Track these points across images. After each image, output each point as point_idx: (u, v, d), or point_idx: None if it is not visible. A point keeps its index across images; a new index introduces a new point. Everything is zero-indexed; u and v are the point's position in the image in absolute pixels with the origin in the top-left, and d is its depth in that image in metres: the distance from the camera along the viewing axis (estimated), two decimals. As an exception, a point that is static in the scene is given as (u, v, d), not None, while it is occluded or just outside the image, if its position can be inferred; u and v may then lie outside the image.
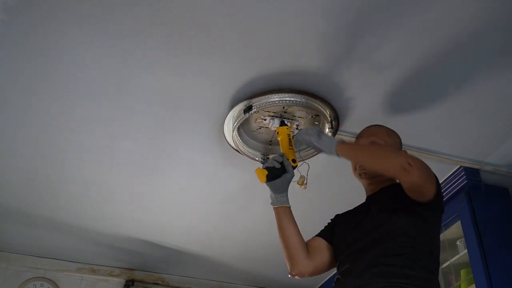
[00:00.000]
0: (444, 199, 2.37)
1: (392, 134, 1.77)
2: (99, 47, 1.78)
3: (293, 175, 1.75)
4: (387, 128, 1.79)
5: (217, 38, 1.72)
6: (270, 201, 1.75)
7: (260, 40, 1.72)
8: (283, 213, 1.71)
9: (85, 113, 2.09)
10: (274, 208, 1.73)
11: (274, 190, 1.72)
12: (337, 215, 1.77)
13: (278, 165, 1.71)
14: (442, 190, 2.37)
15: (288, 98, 1.90)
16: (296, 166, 1.79)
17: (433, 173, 1.54)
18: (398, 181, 1.57)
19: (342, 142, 1.68)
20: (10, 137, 2.24)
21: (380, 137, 1.73)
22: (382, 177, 1.66)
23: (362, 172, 1.69)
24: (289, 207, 1.73)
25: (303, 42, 1.72)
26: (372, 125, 1.81)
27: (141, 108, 2.06)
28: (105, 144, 2.27)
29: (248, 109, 1.91)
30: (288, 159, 1.76)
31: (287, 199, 1.73)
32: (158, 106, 2.05)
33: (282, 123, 1.95)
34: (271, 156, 1.77)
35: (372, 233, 1.53)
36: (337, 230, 1.70)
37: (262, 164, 2.10)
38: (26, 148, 2.30)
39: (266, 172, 1.70)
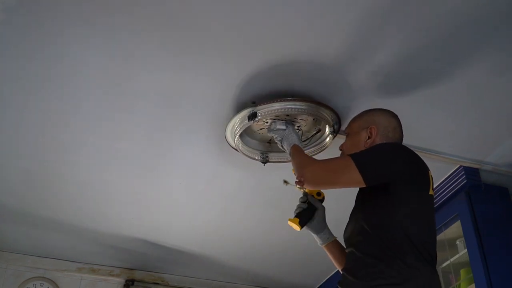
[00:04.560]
0: (443, 198, 2.39)
1: (366, 119, 1.74)
2: (99, 47, 1.78)
3: (324, 209, 1.79)
4: (363, 115, 1.77)
5: (217, 37, 1.72)
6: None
7: (260, 40, 1.72)
8: (332, 247, 1.77)
9: (85, 113, 2.09)
10: (323, 246, 1.79)
11: (315, 231, 1.77)
12: None
13: (305, 206, 1.77)
14: (442, 190, 2.39)
15: (292, 106, 1.91)
16: (323, 198, 1.82)
17: (343, 163, 1.52)
18: None
19: (292, 147, 1.83)
20: (9, 137, 2.24)
21: (351, 132, 1.75)
22: None
23: None
24: (335, 239, 1.78)
25: (304, 43, 1.73)
26: (353, 117, 1.81)
27: (141, 108, 2.06)
28: (105, 144, 2.27)
29: (252, 116, 1.92)
30: (312, 195, 1.80)
31: (330, 233, 1.78)
32: (158, 106, 2.05)
33: None
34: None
35: (351, 235, 1.55)
36: None
37: (262, 161, 2.14)
38: (26, 148, 2.30)
39: (298, 219, 1.73)
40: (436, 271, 1.47)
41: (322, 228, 1.75)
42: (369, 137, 1.68)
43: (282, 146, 1.93)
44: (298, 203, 1.80)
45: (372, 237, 1.46)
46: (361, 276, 1.43)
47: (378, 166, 1.51)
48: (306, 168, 1.61)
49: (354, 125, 1.76)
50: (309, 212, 1.75)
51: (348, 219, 1.66)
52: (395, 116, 1.75)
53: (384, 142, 1.66)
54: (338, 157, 1.71)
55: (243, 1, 1.58)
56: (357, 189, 1.64)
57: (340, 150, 1.79)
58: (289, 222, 1.74)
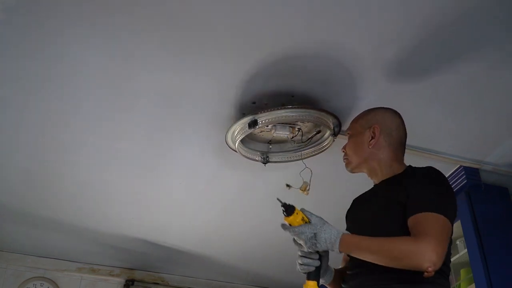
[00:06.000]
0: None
1: (368, 118, 1.68)
2: (99, 47, 1.78)
3: (328, 252, 1.55)
4: (365, 114, 1.71)
5: (217, 37, 1.72)
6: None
7: (260, 40, 1.72)
8: (333, 281, 1.62)
9: (85, 113, 2.09)
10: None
11: (322, 277, 1.55)
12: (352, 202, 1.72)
13: (318, 263, 1.48)
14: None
15: (293, 114, 1.91)
16: None
17: (445, 225, 1.41)
18: (398, 172, 1.56)
19: (343, 239, 1.43)
20: (9, 137, 2.24)
21: (354, 133, 1.69)
22: (378, 170, 1.64)
23: (346, 165, 1.71)
24: (334, 271, 1.61)
25: (304, 43, 1.73)
26: (355, 117, 1.75)
27: (141, 108, 2.06)
28: (106, 144, 2.27)
29: (253, 123, 1.92)
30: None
31: (331, 269, 1.59)
32: (158, 106, 2.05)
33: (288, 210, 1.44)
34: (299, 258, 1.51)
35: (369, 228, 1.52)
36: (348, 219, 1.67)
37: (263, 161, 2.12)
38: (26, 147, 2.30)
39: (316, 282, 1.45)
40: (449, 282, 1.48)
41: (326, 270, 1.57)
42: (372, 137, 1.66)
43: (315, 244, 1.46)
44: (305, 260, 1.49)
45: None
46: (381, 268, 1.40)
47: (455, 211, 1.51)
48: (427, 253, 1.33)
49: (356, 126, 1.71)
50: (320, 267, 1.48)
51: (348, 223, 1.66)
52: (397, 113, 1.70)
53: (394, 146, 1.63)
54: (436, 222, 1.43)
55: (243, 1, 1.58)
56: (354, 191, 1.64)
57: (343, 151, 1.77)
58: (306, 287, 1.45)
